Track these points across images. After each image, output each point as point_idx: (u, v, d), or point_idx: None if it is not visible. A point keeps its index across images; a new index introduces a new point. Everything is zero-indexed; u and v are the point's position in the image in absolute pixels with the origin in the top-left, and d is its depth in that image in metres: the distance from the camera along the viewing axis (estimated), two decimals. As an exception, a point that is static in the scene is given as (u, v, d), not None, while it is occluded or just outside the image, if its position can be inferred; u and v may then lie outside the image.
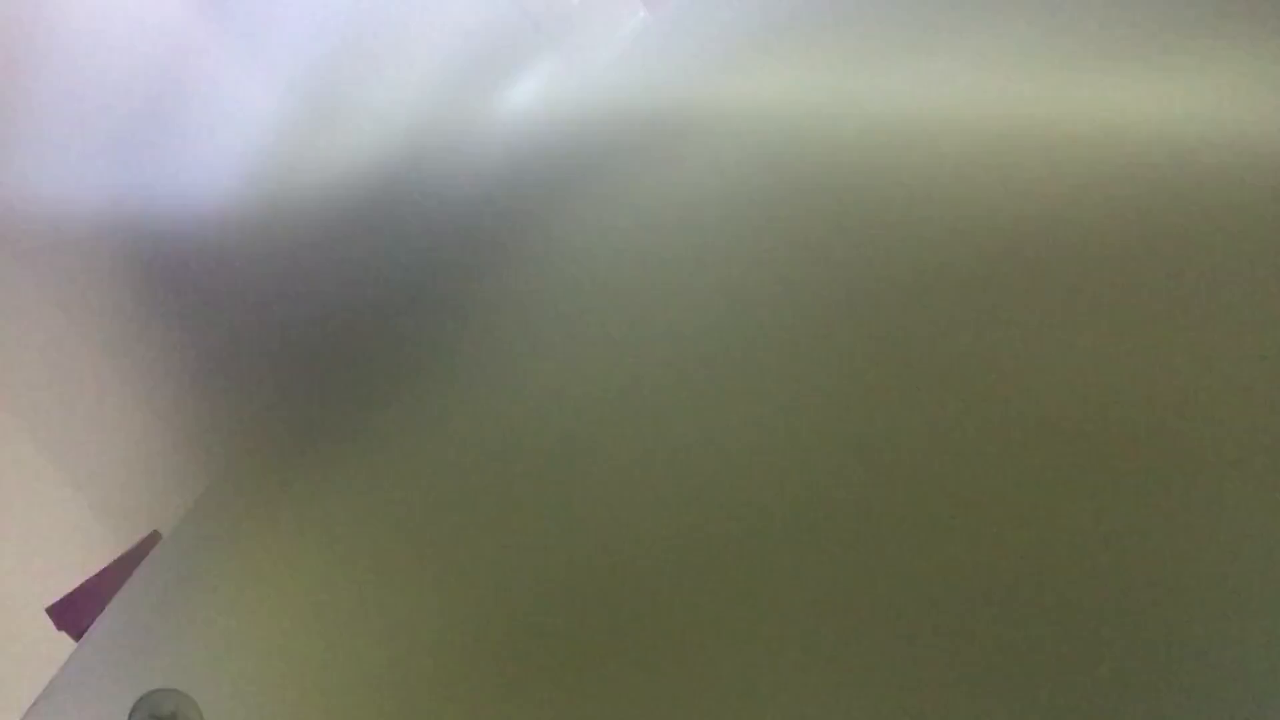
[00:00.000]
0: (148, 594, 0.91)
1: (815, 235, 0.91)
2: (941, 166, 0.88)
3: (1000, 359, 0.83)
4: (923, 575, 0.87)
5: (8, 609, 1.66)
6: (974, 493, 0.86)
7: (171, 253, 1.68)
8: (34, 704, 0.90)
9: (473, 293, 0.96)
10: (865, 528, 0.87)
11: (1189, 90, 0.82)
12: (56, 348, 1.74)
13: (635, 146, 0.96)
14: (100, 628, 0.91)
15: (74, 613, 0.95)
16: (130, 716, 0.89)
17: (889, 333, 0.89)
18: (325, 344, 0.97)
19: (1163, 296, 0.78)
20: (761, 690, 0.87)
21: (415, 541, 0.90)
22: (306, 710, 0.91)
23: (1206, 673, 0.76)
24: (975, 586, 0.84)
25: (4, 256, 1.72)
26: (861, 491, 0.87)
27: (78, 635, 0.93)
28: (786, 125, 0.94)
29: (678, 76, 0.97)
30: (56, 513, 1.71)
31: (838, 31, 0.93)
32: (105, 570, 0.94)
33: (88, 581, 0.94)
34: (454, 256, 0.99)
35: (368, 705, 0.91)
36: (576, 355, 0.91)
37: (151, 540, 0.94)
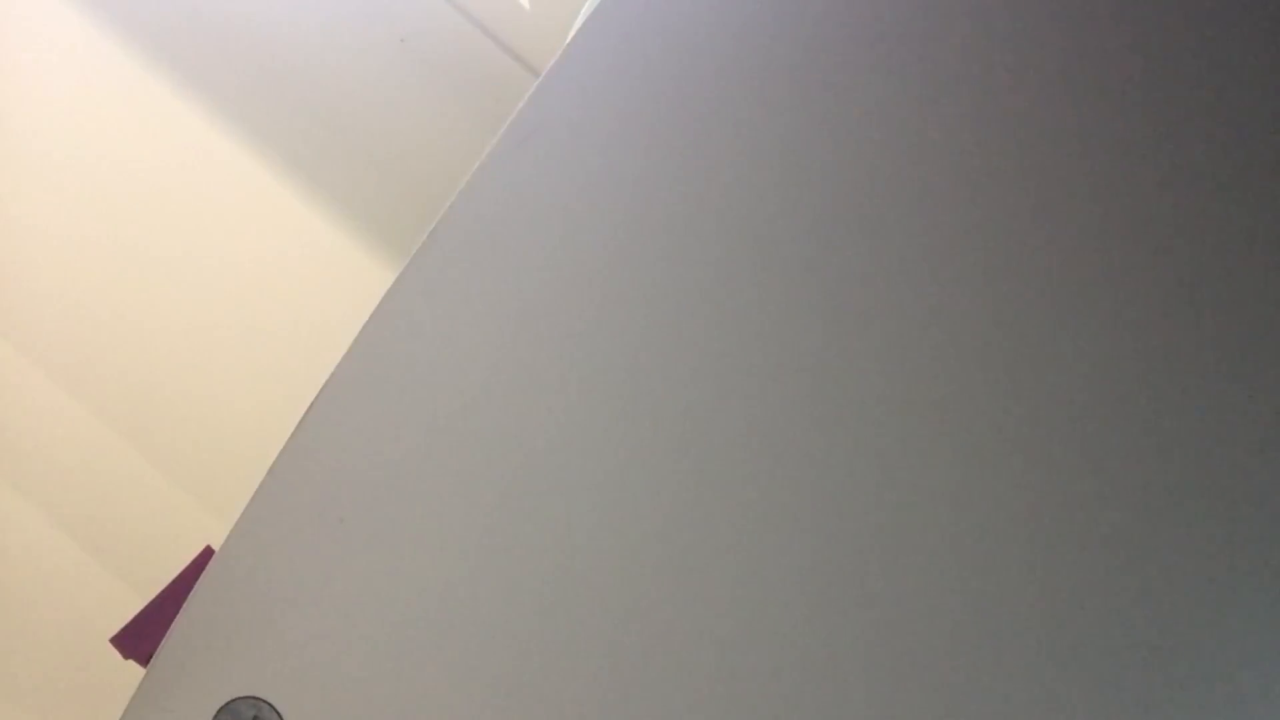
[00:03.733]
0: (213, 607, 0.90)
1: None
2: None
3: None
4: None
5: (51, 681, 1.64)
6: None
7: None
8: (115, 730, 0.89)
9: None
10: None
11: None
12: (55, 420, 1.73)
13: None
14: (169, 646, 0.90)
15: (139, 639, 0.94)
16: (212, 727, 0.88)
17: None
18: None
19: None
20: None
21: (495, 526, 0.90)
22: (391, 706, 0.91)
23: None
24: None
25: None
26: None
27: (146, 660, 0.92)
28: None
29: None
30: (79, 583, 1.70)
31: None
32: (163, 593, 0.94)
33: (148, 606, 0.94)
34: None
35: (453, 699, 0.91)
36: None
37: (205, 556, 0.94)
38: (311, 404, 0.92)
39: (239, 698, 0.89)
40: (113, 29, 1.70)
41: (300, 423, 0.92)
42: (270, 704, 0.89)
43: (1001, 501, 0.90)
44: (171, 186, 1.74)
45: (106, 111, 1.71)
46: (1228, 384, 0.88)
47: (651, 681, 0.91)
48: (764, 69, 0.94)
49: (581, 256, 0.94)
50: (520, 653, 0.89)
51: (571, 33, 1.55)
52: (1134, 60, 0.91)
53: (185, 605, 0.90)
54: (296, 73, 1.83)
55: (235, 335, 1.74)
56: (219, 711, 0.89)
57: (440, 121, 1.89)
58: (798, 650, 0.90)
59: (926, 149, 0.91)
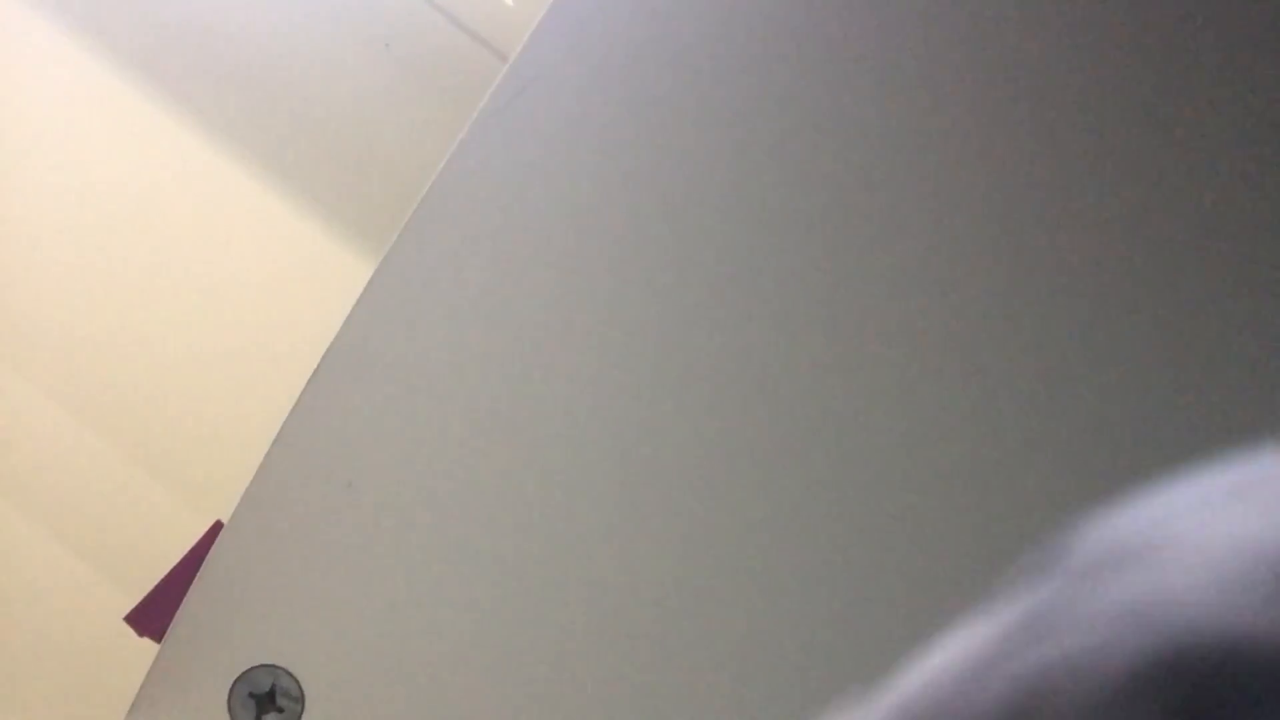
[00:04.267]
0: (225, 578, 0.90)
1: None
2: None
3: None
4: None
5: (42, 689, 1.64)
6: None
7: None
8: (133, 705, 0.89)
9: None
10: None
11: None
12: (45, 428, 1.73)
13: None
14: (183, 619, 0.90)
15: (153, 615, 0.94)
16: (229, 697, 0.88)
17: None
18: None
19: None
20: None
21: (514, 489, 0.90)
22: (406, 669, 0.91)
23: None
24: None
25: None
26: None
27: (160, 637, 0.92)
28: None
29: None
30: (62, 586, 1.70)
31: None
32: (175, 569, 0.94)
33: (160, 583, 0.94)
34: None
35: (467, 655, 0.91)
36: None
37: (215, 530, 0.94)
38: (312, 374, 0.93)
39: (256, 666, 0.89)
40: (98, 40, 1.71)
41: (302, 393, 0.92)
42: (287, 671, 0.89)
43: (1001, 492, 0.90)
44: (161, 197, 1.75)
45: (93, 120, 1.72)
46: (1224, 385, 0.89)
47: (659, 623, 0.92)
48: (728, 50, 0.95)
49: (551, 223, 0.95)
50: (532, 604, 0.90)
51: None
52: (1135, 60, 0.91)
53: (197, 578, 0.90)
54: (284, 82, 1.84)
55: (229, 340, 1.74)
56: (236, 681, 0.89)
57: (429, 124, 1.90)
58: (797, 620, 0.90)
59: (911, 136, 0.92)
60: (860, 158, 0.91)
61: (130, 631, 1.64)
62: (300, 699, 0.88)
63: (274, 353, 1.74)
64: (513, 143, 1.00)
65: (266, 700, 0.88)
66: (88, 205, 1.73)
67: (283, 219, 1.81)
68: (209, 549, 0.92)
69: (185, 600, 0.90)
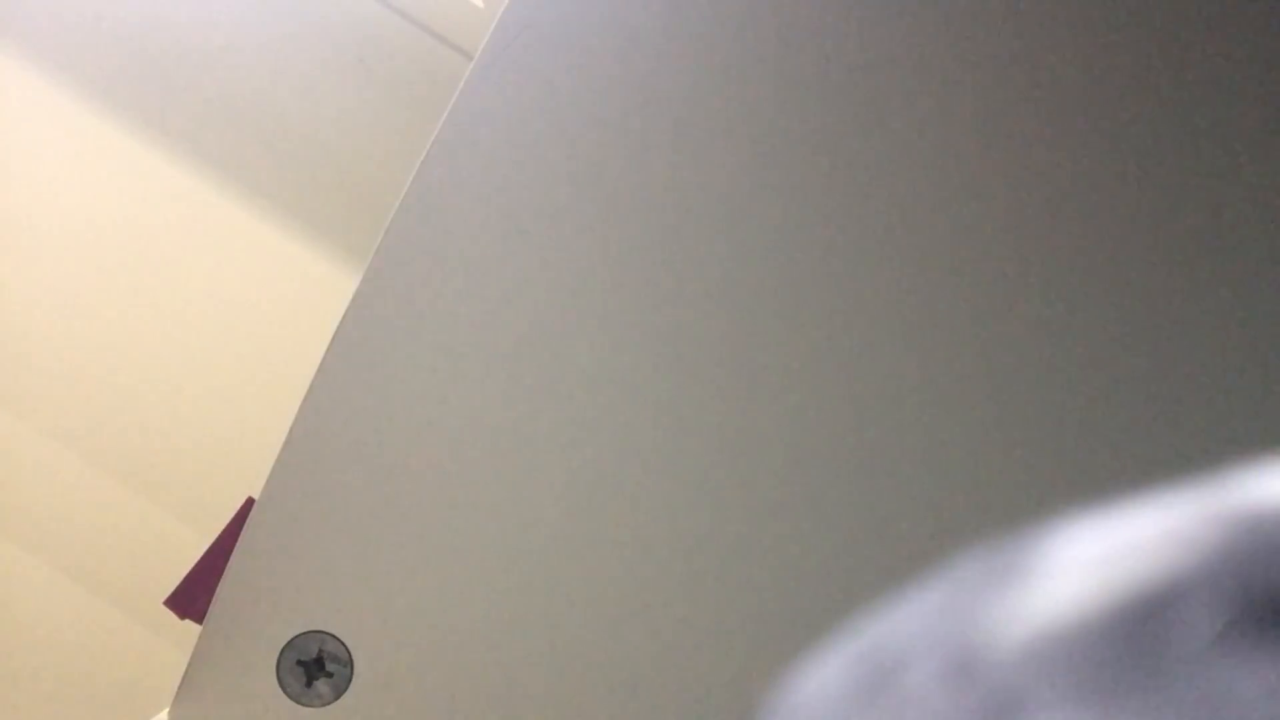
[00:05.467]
0: (262, 551, 0.90)
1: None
2: None
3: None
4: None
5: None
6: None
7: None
8: (182, 682, 0.89)
9: None
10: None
11: None
12: (43, 461, 1.73)
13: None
14: (224, 595, 0.90)
15: (192, 597, 0.94)
16: (278, 667, 0.88)
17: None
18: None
19: None
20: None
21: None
22: (451, 624, 0.91)
23: None
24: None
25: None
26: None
27: (201, 618, 0.92)
28: None
29: None
30: (61, 607, 1.69)
31: None
32: (210, 549, 0.94)
33: (197, 565, 0.93)
34: None
35: (505, 607, 0.91)
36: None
37: (247, 507, 0.94)
38: (330, 342, 0.93)
39: (301, 634, 0.89)
40: (74, 65, 1.71)
41: (323, 360, 0.92)
42: (333, 635, 0.89)
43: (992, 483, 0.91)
44: (142, 220, 1.75)
45: (70, 144, 1.72)
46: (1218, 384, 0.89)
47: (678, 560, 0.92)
48: (701, 38, 0.96)
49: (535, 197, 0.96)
50: (571, 550, 0.90)
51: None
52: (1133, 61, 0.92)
53: (235, 553, 0.90)
54: (261, 101, 1.85)
55: (216, 356, 1.74)
56: (284, 649, 0.88)
57: (410, 135, 1.90)
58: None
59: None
60: (861, 145, 0.92)
61: (130, 649, 1.63)
62: (349, 662, 0.88)
63: (262, 366, 1.74)
64: (488, 119, 1.00)
65: (315, 666, 0.88)
66: (69, 230, 1.73)
67: (269, 236, 1.81)
68: (242, 526, 0.92)
69: (225, 576, 0.90)
